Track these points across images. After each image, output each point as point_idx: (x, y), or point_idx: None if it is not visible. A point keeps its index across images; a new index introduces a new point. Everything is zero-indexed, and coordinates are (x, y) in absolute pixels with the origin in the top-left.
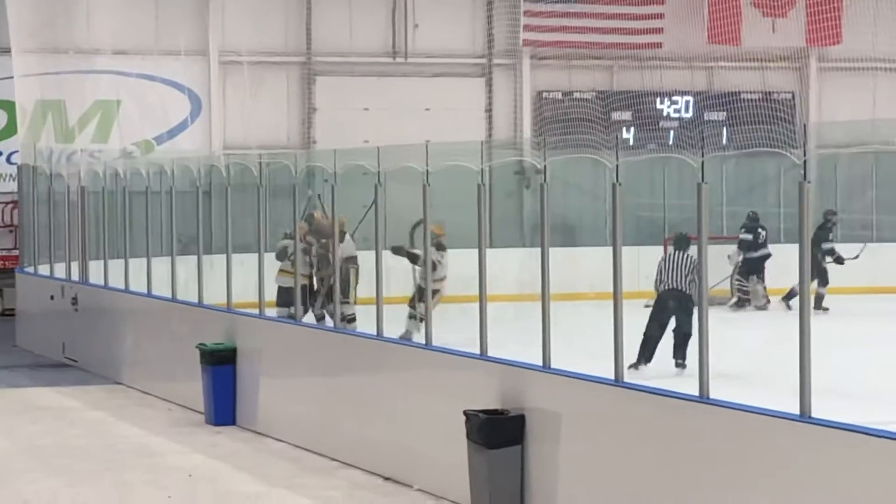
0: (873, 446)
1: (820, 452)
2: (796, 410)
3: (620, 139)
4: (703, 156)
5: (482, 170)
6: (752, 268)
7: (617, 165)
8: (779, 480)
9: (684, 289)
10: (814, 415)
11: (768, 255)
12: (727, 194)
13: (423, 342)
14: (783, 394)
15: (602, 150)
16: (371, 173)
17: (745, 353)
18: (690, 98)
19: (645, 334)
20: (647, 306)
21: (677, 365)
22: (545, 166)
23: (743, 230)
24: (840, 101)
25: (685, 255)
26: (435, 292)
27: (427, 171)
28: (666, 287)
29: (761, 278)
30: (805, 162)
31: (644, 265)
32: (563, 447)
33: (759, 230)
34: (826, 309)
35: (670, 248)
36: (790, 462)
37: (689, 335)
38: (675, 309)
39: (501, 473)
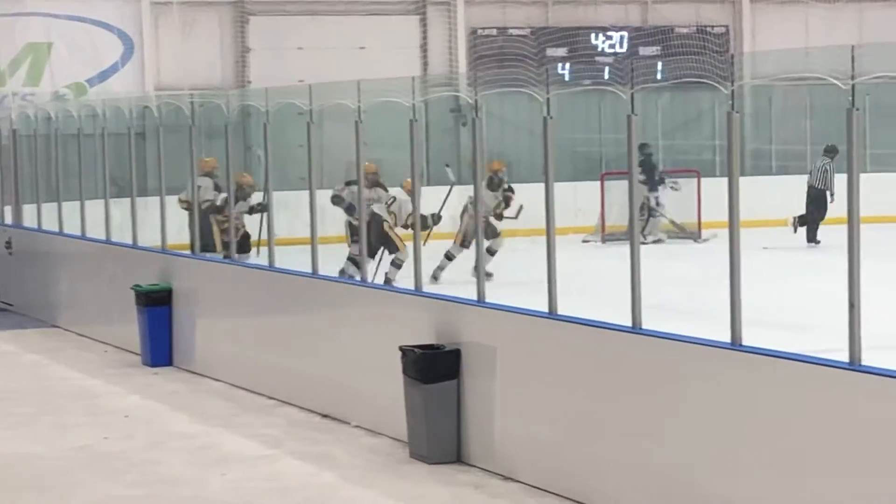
0: (802, 372)
1: (750, 379)
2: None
3: (555, 75)
4: (632, 87)
5: (414, 106)
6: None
7: (548, 99)
8: (710, 407)
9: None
10: (744, 342)
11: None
12: (662, 128)
13: (360, 279)
14: (723, 325)
15: (536, 86)
16: (305, 112)
17: (686, 285)
18: (625, 33)
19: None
20: (585, 241)
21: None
22: (477, 101)
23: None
24: (773, 32)
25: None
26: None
27: (360, 108)
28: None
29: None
30: (733, 93)
31: (581, 200)
32: (498, 380)
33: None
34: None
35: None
36: (721, 389)
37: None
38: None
39: (438, 408)
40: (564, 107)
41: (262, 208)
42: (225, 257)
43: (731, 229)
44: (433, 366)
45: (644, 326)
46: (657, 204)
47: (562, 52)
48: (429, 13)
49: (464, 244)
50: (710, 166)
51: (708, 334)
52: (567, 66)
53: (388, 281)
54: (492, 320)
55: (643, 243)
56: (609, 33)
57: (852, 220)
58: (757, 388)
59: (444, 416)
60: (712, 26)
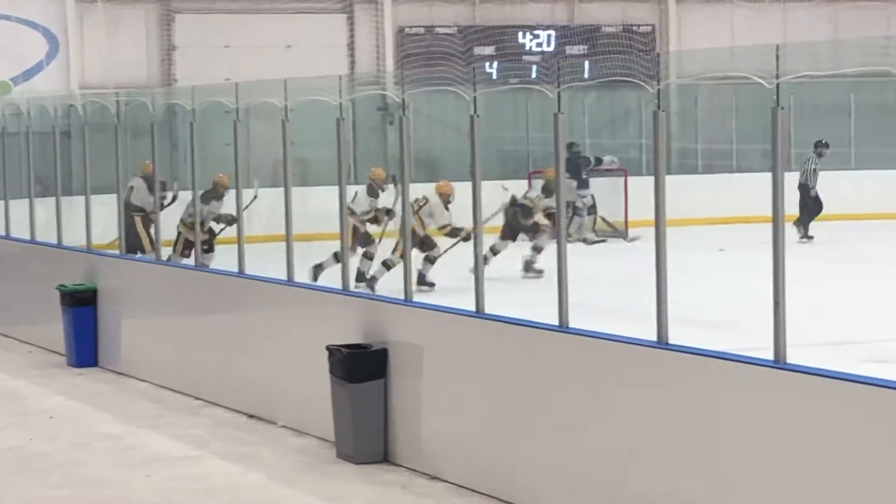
0: (728, 370)
1: (675, 378)
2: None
3: (483, 73)
4: (559, 86)
5: (341, 104)
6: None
7: (475, 97)
8: (636, 406)
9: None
10: (671, 341)
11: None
12: (589, 127)
13: (286, 278)
14: (650, 324)
15: (463, 85)
16: (231, 111)
17: (614, 284)
18: (552, 32)
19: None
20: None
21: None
22: (404, 100)
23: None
24: (699, 32)
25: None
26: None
27: (286, 106)
28: None
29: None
30: (659, 92)
31: (499, 198)
32: (425, 380)
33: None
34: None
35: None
36: (647, 387)
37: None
38: None
39: (364, 407)
40: (492, 105)
41: (231, 221)
42: (185, 255)
43: (658, 228)
44: (360, 365)
45: (571, 325)
46: (590, 204)
47: (489, 50)
48: (356, 12)
49: (507, 237)
50: (637, 165)
51: (635, 333)
52: (495, 64)
53: (420, 277)
54: (419, 320)
55: (571, 241)
56: (536, 32)
57: (777, 219)
58: (683, 387)
59: (371, 416)
60: (639, 25)
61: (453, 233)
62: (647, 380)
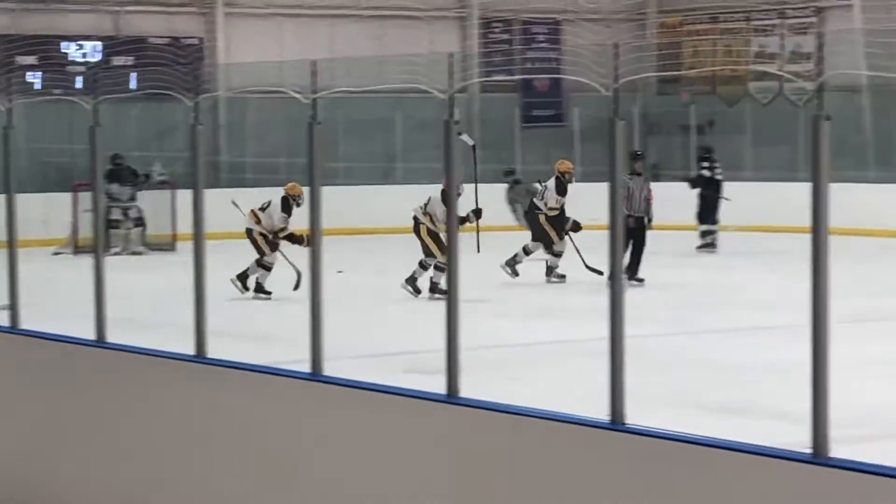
0: (264, 383)
1: (214, 390)
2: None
3: (24, 83)
4: (96, 98)
5: None
6: None
7: (10, 109)
8: (174, 420)
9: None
10: (209, 355)
11: None
12: (137, 139)
13: None
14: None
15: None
16: None
17: (158, 298)
18: (98, 42)
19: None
20: (56, 253)
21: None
22: None
23: None
24: (248, 45)
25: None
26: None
27: None
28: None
29: None
30: (196, 105)
31: (53, 211)
32: None
33: None
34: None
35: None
36: (185, 401)
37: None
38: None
39: None
40: (34, 116)
41: None
42: None
43: (197, 243)
44: None
45: (109, 340)
46: (136, 216)
47: (31, 60)
48: None
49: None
50: (183, 178)
51: (175, 347)
52: (38, 74)
53: (433, 288)
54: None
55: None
56: (80, 42)
57: (315, 232)
58: (221, 400)
59: None
60: (186, 37)
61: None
62: (186, 394)
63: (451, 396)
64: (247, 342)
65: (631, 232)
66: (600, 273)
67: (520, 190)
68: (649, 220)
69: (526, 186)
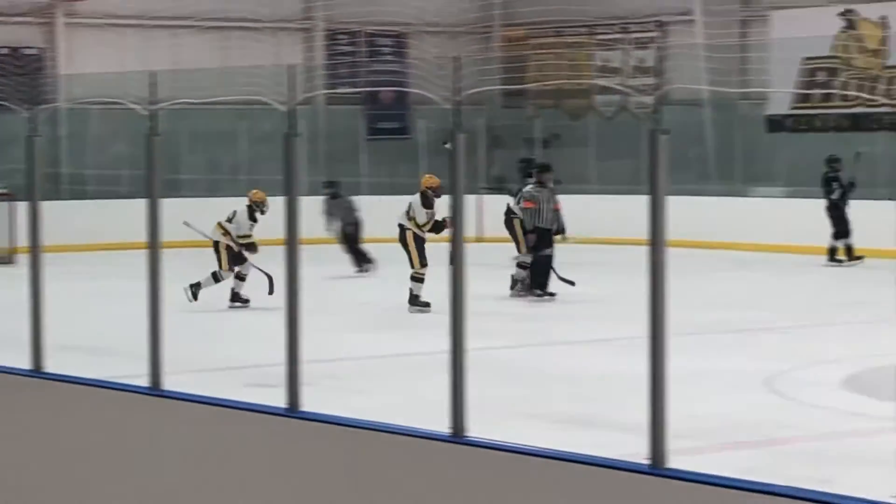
0: (102, 397)
1: (49, 406)
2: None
3: None
4: None
5: None
6: None
7: None
8: (12, 434)
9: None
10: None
11: None
12: None
13: None
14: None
15: None
16: None
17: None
18: None
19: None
20: None
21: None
22: None
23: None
24: (90, 56)
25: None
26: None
27: None
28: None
29: None
30: (33, 115)
31: None
32: None
33: None
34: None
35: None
36: (22, 416)
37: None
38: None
39: None
40: None
41: None
42: None
43: (34, 255)
44: None
45: None
46: None
47: None
48: None
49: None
50: (24, 190)
51: (10, 362)
52: None
53: (412, 298)
54: None
55: None
56: None
57: (152, 249)
58: (57, 415)
59: None
60: (26, 47)
61: (438, 226)
62: (22, 408)
63: (292, 410)
64: (90, 356)
65: (538, 244)
66: (572, 283)
67: (339, 203)
68: (561, 231)
69: (343, 201)
